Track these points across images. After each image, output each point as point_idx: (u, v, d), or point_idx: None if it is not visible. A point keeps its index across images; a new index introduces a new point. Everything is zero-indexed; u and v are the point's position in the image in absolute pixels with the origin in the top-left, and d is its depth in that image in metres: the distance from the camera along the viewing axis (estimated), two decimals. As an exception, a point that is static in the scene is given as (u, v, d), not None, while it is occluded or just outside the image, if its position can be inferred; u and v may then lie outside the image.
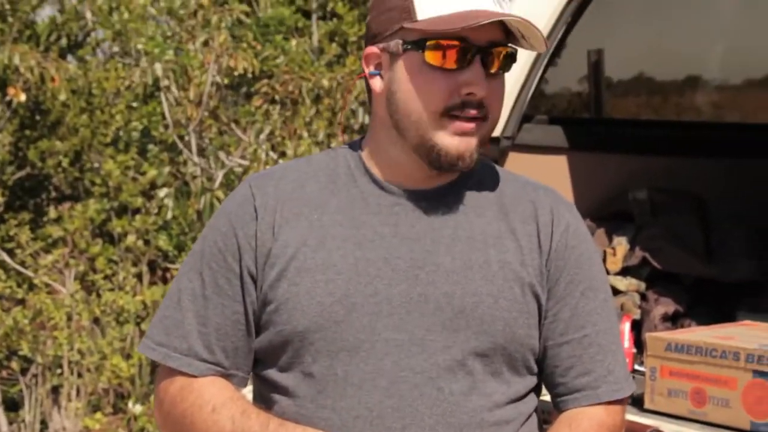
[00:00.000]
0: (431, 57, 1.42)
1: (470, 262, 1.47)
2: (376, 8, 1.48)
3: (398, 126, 1.46)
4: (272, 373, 1.49)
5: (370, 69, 1.48)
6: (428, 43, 1.42)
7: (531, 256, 1.49)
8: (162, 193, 4.99)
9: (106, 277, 5.02)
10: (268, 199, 1.49)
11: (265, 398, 1.51)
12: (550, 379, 1.51)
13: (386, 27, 1.46)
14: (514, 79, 2.55)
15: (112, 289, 4.99)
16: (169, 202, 4.86)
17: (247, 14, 5.53)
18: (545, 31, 2.53)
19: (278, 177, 1.52)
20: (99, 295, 4.91)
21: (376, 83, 1.48)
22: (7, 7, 5.29)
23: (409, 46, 1.43)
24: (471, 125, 1.43)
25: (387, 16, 1.46)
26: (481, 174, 1.53)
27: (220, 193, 4.70)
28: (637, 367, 2.33)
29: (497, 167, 1.57)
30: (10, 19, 5.27)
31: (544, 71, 2.62)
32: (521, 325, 1.47)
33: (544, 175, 2.79)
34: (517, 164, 2.67)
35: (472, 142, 1.44)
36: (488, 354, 1.46)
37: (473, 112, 1.42)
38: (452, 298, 1.45)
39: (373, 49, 1.47)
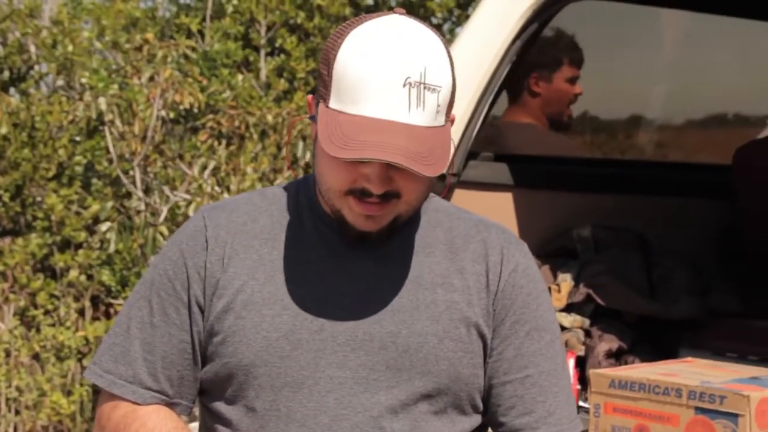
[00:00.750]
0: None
1: (417, 301, 1.47)
2: (321, 58, 1.47)
3: (319, 190, 1.48)
4: (218, 405, 1.48)
5: (311, 113, 1.49)
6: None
7: (478, 296, 1.50)
8: (104, 227, 4.93)
9: (46, 312, 4.94)
10: (219, 230, 1.50)
11: (210, 429, 1.50)
12: (493, 418, 1.52)
13: (318, 89, 1.46)
14: (459, 116, 2.57)
15: (52, 325, 4.91)
16: (112, 237, 4.80)
17: (193, 48, 5.52)
18: (491, 68, 2.56)
19: (231, 209, 1.52)
20: (39, 331, 4.82)
21: (313, 129, 1.48)
22: (-51, 39, 5.22)
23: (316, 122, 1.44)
24: (375, 208, 1.42)
25: (320, 79, 1.45)
26: (431, 212, 1.54)
27: (163, 228, 4.66)
28: (581, 403, 2.34)
29: (450, 205, 1.57)
30: (-48, 52, 5.20)
31: (490, 108, 2.64)
32: (466, 365, 1.47)
33: (490, 212, 2.81)
34: (462, 201, 2.68)
35: (380, 222, 1.44)
36: (432, 394, 1.46)
37: (375, 199, 1.42)
38: (397, 337, 1.45)
39: (310, 100, 1.49)
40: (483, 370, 1.50)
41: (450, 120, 1.47)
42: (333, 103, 1.40)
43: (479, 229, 1.54)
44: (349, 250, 1.48)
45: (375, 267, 1.48)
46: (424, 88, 1.38)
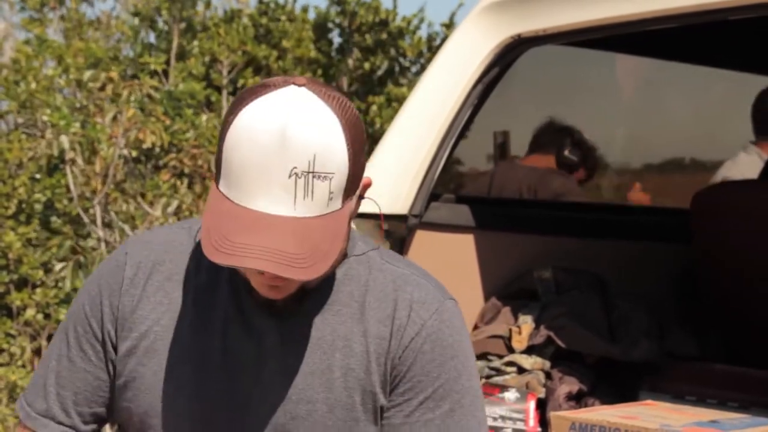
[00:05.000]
0: None
1: (312, 365, 1.41)
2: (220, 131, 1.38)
3: None
4: None
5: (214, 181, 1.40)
6: None
7: (378, 361, 1.42)
8: (59, 266, 4.89)
9: (1, 351, 4.87)
10: (138, 270, 1.46)
11: None
12: None
13: (216, 161, 1.37)
14: (422, 158, 2.59)
15: (5, 364, 4.83)
16: (67, 275, 4.76)
17: (156, 88, 5.52)
18: (453, 112, 2.58)
19: (154, 245, 1.48)
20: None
21: None
22: None
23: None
24: (279, 281, 1.34)
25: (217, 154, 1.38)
26: (352, 263, 1.46)
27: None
28: (542, 446, 2.34)
29: (377, 254, 1.49)
30: None
31: (452, 151, 2.67)
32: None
33: (451, 254, 2.84)
34: (424, 242, 2.70)
35: (286, 290, 1.37)
36: None
37: (272, 279, 1.34)
38: (287, 402, 1.41)
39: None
40: None
41: (364, 186, 1.40)
42: (222, 186, 1.33)
43: (396, 286, 1.44)
44: (255, 309, 1.42)
45: (278, 325, 1.42)
46: (313, 177, 1.29)
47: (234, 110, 1.33)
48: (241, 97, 1.35)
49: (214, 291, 1.44)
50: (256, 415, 1.41)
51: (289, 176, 1.29)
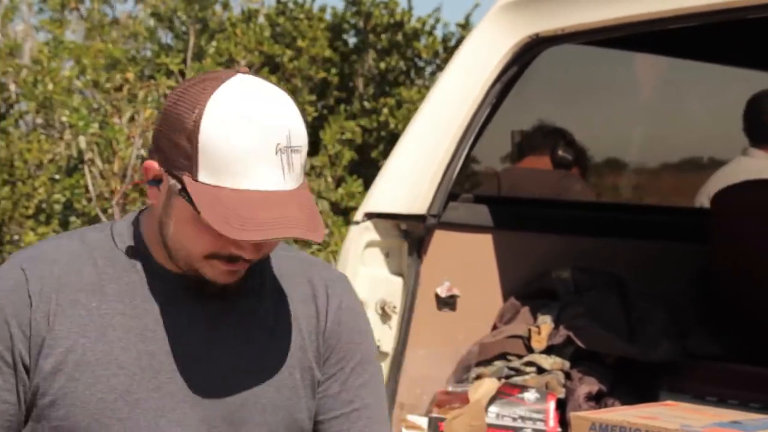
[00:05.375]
0: (202, 221, 1.35)
1: (251, 351, 1.45)
2: (167, 126, 1.39)
3: (165, 246, 1.42)
4: None
5: (149, 178, 1.41)
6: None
7: (310, 338, 1.50)
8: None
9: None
10: (42, 284, 1.41)
11: None
12: None
13: (172, 157, 1.38)
14: (440, 158, 2.59)
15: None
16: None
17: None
18: (471, 111, 2.59)
19: (51, 260, 1.43)
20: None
21: (153, 194, 1.42)
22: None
23: (183, 196, 1.37)
24: (241, 265, 1.41)
25: (174, 150, 1.37)
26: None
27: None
28: (561, 446, 2.33)
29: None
30: (-69, 90, 5.20)
31: (470, 150, 2.67)
32: (301, 409, 1.48)
33: (470, 254, 2.84)
34: (442, 242, 2.70)
35: (240, 273, 1.43)
36: None
37: (240, 262, 1.40)
38: (233, 390, 1.43)
39: (154, 165, 1.40)
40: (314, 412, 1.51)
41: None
42: (205, 177, 1.35)
43: (304, 268, 1.53)
44: (182, 303, 1.44)
45: (207, 317, 1.44)
46: (291, 151, 1.37)
47: (196, 102, 1.36)
48: (196, 92, 1.37)
49: (134, 295, 1.44)
50: (203, 409, 1.42)
51: (276, 152, 1.36)
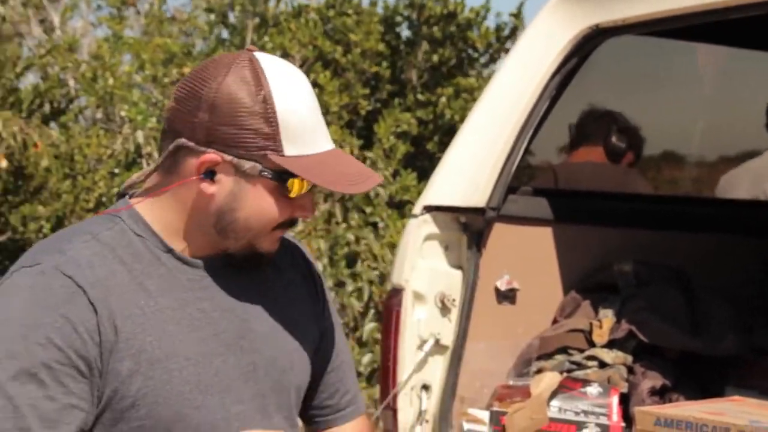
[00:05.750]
0: (286, 190, 1.45)
1: (280, 321, 1.54)
2: (226, 116, 1.43)
3: (223, 230, 1.46)
4: None
5: (201, 172, 1.44)
6: (292, 179, 1.44)
7: (313, 300, 1.63)
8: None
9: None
10: (96, 289, 1.41)
11: None
12: (318, 404, 1.65)
13: (241, 144, 1.43)
14: (498, 150, 2.58)
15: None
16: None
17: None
18: (530, 104, 2.57)
19: (87, 263, 1.42)
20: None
21: (207, 187, 1.45)
22: (-9, 73, 5.32)
23: (268, 174, 1.44)
24: (287, 230, 1.54)
25: (244, 135, 1.43)
26: None
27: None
28: (625, 441, 2.31)
29: None
30: (-7, 86, 5.29)
31: (529, 143, 2.65)
32: (310, 367, 1.62)
33: (529, 246, 2.82)
34: (502, 235, 2.69)
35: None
36: (298, 403, 1.60)
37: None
38: (275, 359, 1.53)
39: (215, 157, 1.43)
40: None
41: None
42: (290, 151, 1.44)
43: (282, 241, 1.59)
44: (213, 286, 1.49)
45: (236, 295, 1.51)
46: (319, 113, 1.50)
47: (256, 86, 1.43)
48: (241, 76, 1.44)
49: (172, 287, 1.46)
50: (255, 383, 1.50)
51: (319, 116, 1.49)
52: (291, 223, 1.50)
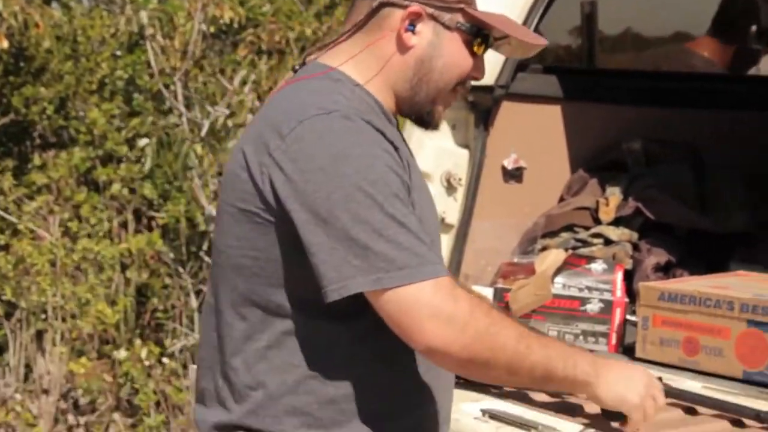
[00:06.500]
0: (479, 45, 1.57)
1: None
2: None
3: (419, 82, 1.56)
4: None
5: (407, 25, 1.55)
6: (483, 33, 1.56)
7: None
8: (142, 142, 4.92)
9: (83, 223, 4.98)
10: (386, 134, 1.49)
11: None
12: None
13: None
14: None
15: (90, 236, 4.94)
16: (149, 152, 4.80)
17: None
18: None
19: (365, 111, 1.51)
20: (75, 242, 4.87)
21: (409, 38, 1.55)
22: (-11, -48, 5.20)
23: (464, 27, 1.55)
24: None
25: None
26: None
27: (197, 147, 4.65)
28: (629, 317, 2.32)
29: None
30: (-8, -35, 5.19)
31: (539, 21, 2.59)
32: None
33: (538, 125, 2.78)
34: (510, 113, 2.65)
35: None
36: None
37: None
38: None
39: (418, 9, 1.54)
40: None
41: None
42: (477, 8, 1.58)
43: None
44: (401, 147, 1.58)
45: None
46: None
47: None
48: None
49: (404, 144, 1.56)
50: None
51: None
52: (465, 83, 1.59)
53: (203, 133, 4.72)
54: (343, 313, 1.45)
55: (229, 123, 4.78)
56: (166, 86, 5.02)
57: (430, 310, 1.39)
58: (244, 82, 5.02)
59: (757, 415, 1.77)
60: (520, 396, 1.89)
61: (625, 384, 1.53)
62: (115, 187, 5.06)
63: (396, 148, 1.49)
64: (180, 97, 4.92)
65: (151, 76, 5.15)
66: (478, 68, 1.60)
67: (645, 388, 1.55)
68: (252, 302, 1.49)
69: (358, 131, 1.46)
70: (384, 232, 1.41)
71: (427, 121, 1.61)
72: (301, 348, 1.48)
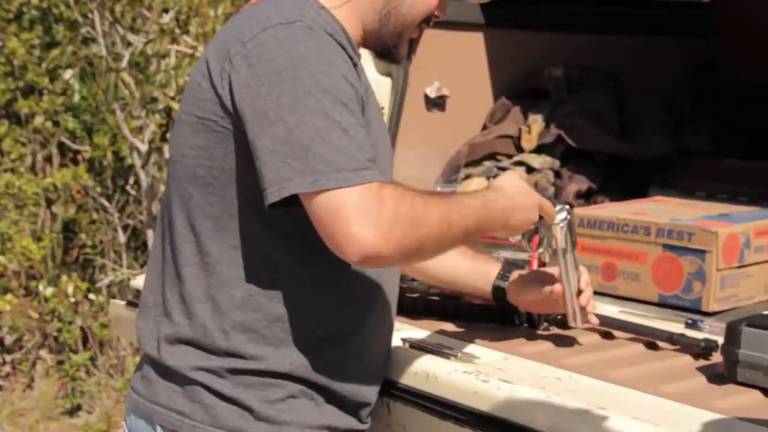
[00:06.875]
0: None
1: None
2: None
3: (387, 14, 1.59)
4: None
5: None
6: None
7: None
8: (67, 74, 4.79)
9: (4, 157, 4.85)
10: (348, 51, 1.51)
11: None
12: None
13: None
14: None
15: (10, 170, 4.84)
16: (75, 84, 4.67)
17: None
18: None
19: (330, 30, 1.50)
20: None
21: None
22: None
23: None
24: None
25: None
26: None
27: (125, 74, 4.54)
28: (549, 244, 2.33)
29: None
30: None
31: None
32: None
33: (460, 53, 2.76)
34: (432, 41, 2.62)
35: None
36: None
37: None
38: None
39: None
40: None
41: None
42: None
43: None
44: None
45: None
46: None
47: None
48: None
49: (359, 63, 1.56)
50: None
51: None
52: (429, 20, 1.62)
53: (124, 63, 4.60)
54: (289, 228, 1.46)
55: (149, 50, 4.66)
56: (84, 15, 4.88)
57: (356, 216, 1.36)
58: (165, 10, 4.88)
59: (670, 338, 1.81)
60: (439, 325, 1.91)
61: (521, 197, 1.69)
62: (38, 120, 4.94)
63: (355, 65, 1.51)
64: (98, 27, 4.78)
65: (68, 5, 4.99)
66: (442, 8, 1.64)
67: (528, 190, 1.72)
68: (204, 214, 1.50)
69: (319, 40, 1.46)
70: (326, 135, 1.39)
71: (392, 54, 1.63)
72: (249, 263, 1.48)
